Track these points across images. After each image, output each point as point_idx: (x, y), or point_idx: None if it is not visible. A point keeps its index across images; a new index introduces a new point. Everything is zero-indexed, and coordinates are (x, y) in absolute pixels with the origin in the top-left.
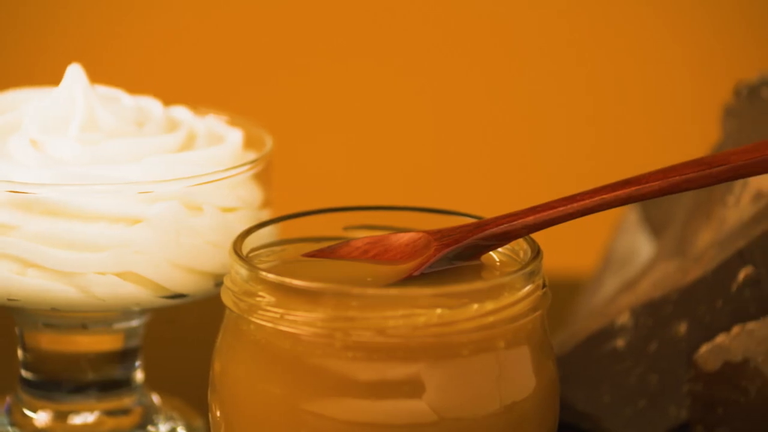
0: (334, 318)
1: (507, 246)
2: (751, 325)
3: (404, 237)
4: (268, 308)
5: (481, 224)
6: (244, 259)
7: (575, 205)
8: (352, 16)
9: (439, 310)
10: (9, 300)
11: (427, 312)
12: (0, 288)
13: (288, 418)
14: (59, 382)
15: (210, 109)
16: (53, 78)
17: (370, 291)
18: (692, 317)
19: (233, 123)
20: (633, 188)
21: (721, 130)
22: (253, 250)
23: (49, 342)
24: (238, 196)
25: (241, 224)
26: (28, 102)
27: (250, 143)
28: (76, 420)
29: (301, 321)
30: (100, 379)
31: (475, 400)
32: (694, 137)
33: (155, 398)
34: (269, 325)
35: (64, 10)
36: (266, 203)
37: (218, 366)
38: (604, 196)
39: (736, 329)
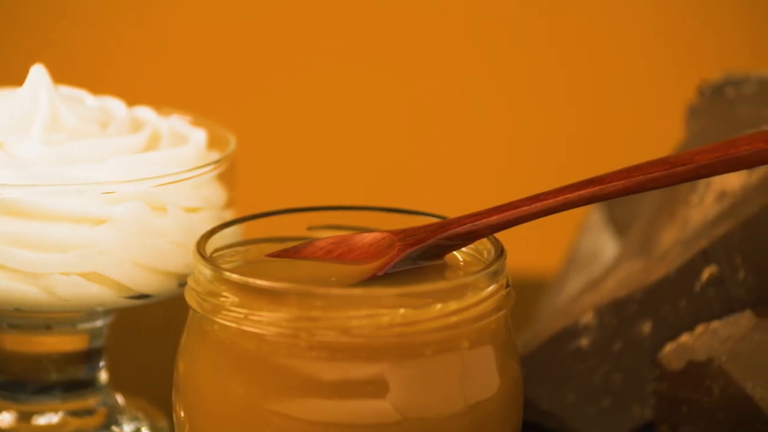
0: (298, 318)
1: (471, 246)
2: (714, 325)
3: (368, 237)
4: (232, 308)
5: (445, 224)
6: (208, 260)
7: (539, 204)
8: (316, 16)
9: (402, 310)
10: None
11: (390, 312)
12: None
13: (252, 418)
14: (23, 382)
15: (173, 110)
16: (16, 78)
17: (334, 291)
18: (656, 316)
19: (197, 123)
20: (597, 187)
21: (685, 130)
22: (216, 250)
23: (13, 343)
24: (201, 196)
25: (205, 224)
26: None
27: (213, 143)
28: (41, 421)
29: (265, 321)
30: (65, 379)
31: (439, 400)
32: (658, 136)
33: (119, 399)
34: (233, 325)
35: (27, 10)
36: (230, 203)
37: (182, 366)
38: (567, 196)
39: (700, 328)
